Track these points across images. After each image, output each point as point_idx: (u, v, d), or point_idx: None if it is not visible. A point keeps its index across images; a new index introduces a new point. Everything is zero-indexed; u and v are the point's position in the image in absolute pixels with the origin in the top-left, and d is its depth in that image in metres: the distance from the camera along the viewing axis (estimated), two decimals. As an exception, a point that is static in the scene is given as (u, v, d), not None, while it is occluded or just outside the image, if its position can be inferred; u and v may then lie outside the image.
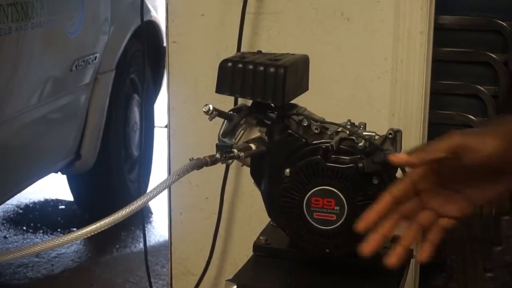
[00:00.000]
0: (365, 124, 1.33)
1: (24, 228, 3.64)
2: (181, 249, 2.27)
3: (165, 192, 2.07)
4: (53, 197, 4.04)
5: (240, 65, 1.31)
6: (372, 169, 1.22)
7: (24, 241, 3.49)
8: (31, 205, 3.93)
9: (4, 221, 3.72)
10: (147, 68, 3.61)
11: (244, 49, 2.03)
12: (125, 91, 3.63)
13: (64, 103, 3.09)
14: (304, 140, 1.29)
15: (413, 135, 2.02)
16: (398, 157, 1.17)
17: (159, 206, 3.70)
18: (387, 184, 1.23)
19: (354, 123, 1.33)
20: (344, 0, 2.00)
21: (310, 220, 1.26)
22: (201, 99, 2.10)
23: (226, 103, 1.70)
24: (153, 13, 3.83)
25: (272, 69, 1.28)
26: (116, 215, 1.18)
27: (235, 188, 2.17)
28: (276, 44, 2.05)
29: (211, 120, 1.34)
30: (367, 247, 1.12)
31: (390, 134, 1.30)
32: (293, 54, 1.39)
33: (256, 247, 1.40)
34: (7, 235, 3.55)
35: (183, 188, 2.20)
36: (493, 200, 1.22)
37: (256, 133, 1.37)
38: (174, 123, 2.20)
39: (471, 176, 1.12)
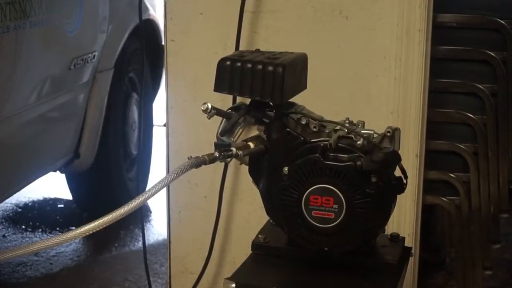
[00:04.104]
0: (364, 122, 1.33)
1: (23, 226, 3.63)
2: (180, 248, 2.27)
3: (164, 190, 2.07)
4: (52, 196, 4.03)
5: (239, 64, 1.31)
6: (371, 167, 1.22)
7: (23, 240, 3.48)
8: (29, 204, 3.93)
9: (3, 220, 3.72)
10: (145, 67, 3.61)
11: (242, 47, 2.03)
12: (123, 90, 3.62)
13: (63, 101, 3.08)
14: (302, 138, 1.29)
15: (412, 133, 2.02)
16: None
17: (158, 205, 3.70)
18: (385, 182, 1.23)
19: (352, 121, 1.33)
20: (342, -1, 2.00)
21: (308, 218, 1.26)
22: (200, 97, 2.10)
23: (225, 101, 1.70)
24: (151, 11, 3.83)
25: (270, 68, 1.28)
26: (115, 213, 1.18)
27: (233, 187, 2.17)
28: (274, 42, 2.05)
29: (209, 118, 1.33)
30: None
31: (389, 132, 1.30)
32: (291, 53, 1.39)
33: (255, 245, 1.40)
34: (6, 234, 3.54)
35: (182, 187, 2.20)
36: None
37: (254, 132, 1.37)
38: (173, 122, 2.20)
39: None
